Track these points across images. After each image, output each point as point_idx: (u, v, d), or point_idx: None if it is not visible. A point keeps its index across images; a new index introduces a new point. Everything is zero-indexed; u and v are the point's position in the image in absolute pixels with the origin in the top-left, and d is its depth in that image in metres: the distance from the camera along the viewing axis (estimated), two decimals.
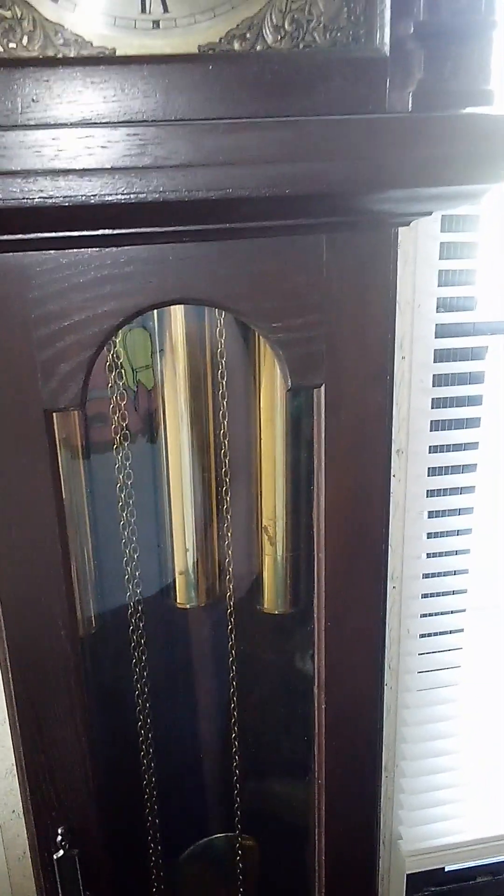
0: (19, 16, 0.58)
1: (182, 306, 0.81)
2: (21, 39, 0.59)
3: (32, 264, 0.63)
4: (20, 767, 0.78)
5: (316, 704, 0.82)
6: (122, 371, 0.84)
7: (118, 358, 0.81)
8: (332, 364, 0.71)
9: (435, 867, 1.55)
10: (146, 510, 0.89)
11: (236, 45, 0.62)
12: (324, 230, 0.66)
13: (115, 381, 0.81)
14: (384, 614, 0.82)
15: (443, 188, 0.61)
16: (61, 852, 0.80)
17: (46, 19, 0.59)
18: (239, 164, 0.56)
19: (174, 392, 0.84)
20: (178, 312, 0.82)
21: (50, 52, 0.59)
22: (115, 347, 0.81)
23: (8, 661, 0.74)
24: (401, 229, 0.70)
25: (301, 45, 0.63)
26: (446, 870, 1.60)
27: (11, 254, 0.63)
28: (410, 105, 0.61)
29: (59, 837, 0.80)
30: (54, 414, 0.68)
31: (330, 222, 0.66)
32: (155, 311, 0.81)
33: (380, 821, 0.93)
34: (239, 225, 0.63)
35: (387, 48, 0.61)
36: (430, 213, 0.69)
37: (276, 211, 0.62)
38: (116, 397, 0.82)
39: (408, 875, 1.54)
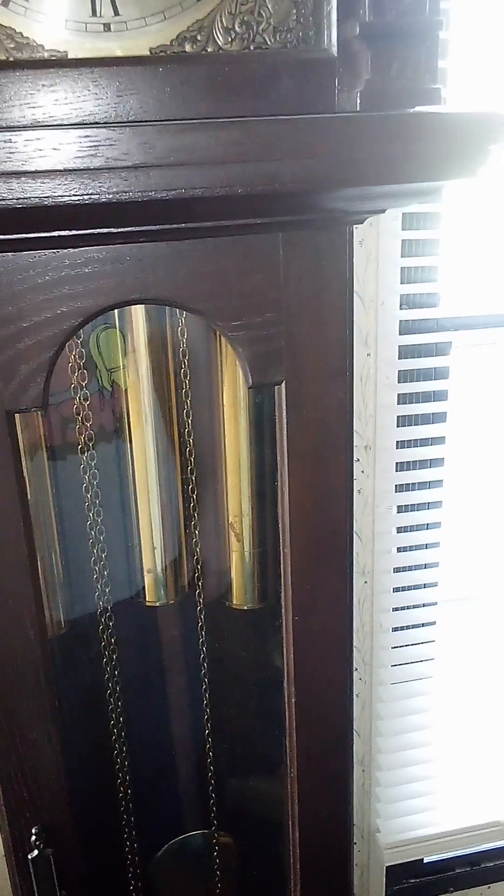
0: None
1: (142, 307, 0.82)
2: None
3: None
4: None
5: (286, 698, 0.83)
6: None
7: (81, 358, 0.82)
8: (291, 361, 0.72)
9: (413, 859, 1.57)
10: (114, 510, 0.90)
11: (187, 47, 0.63)
12: (279, 229, 0.67)
13: (79, 382, 0.82)
14: (350, 607, 0.83)
15: (391, 186, 0.62)
16: (36, 852, 0.81)
17: None
18: (190, 164, 0.57)
19: (137, 392, 0.85)
20: (139, 313, 0.82)
21: (1, 56, 0.60)
22: (77, 348, 0.81)
23: None
24: (363, 227, 0.71)
25: (251, 47, 0.64)
26: (425, 861, 1.62)
27: None
28: (359, 104, 0.62)
29: (34, 837, 0.80)
30: (17, 415, 0.69)
31: (285, 221, 0.67)
32: (117, 311, 0.82)
33: (353, 813, 0.94)
34: (194, 225, 0.64)
35: (334, 49, 0.62)
36: (382, 211, 0.70)
37: (229, 210, 0.63)
38: (80, 398, 0.82)
39: (387, 867, 1.55)
